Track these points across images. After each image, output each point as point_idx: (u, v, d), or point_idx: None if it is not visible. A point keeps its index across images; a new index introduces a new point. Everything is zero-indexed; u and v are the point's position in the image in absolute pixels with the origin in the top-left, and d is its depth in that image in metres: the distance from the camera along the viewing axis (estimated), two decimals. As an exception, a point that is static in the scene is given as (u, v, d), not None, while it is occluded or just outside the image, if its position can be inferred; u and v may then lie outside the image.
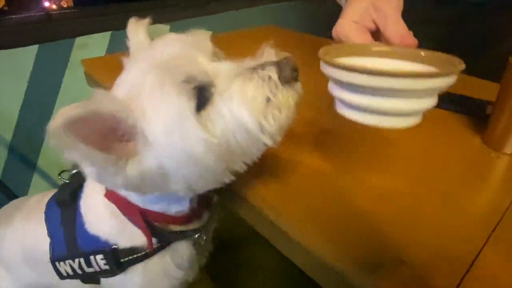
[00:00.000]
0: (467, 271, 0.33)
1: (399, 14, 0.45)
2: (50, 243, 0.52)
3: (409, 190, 0.43)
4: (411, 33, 0.43)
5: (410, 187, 0.44)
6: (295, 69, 0.39)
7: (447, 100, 0.64)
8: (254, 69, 0.38)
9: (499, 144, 0.51)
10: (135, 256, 0.49)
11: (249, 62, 0.40)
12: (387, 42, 0.44)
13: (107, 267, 0.49)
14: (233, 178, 0.40)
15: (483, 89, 0.67)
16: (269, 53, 0.40)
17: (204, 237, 0.55)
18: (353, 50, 0.42)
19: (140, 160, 0.36)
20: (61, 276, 0.52)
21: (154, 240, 0.49)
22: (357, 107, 0.36)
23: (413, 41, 0.42)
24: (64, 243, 0.50)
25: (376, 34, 0.46)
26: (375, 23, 0.46)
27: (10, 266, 0.60)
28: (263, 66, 0.38)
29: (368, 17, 0.46)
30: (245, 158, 0.40)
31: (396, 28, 0.44)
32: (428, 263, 0.34)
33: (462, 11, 0.87)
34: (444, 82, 0.34)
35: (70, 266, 0.50)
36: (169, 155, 0.36)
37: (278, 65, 0.38)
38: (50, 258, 0.51)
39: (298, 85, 0.40)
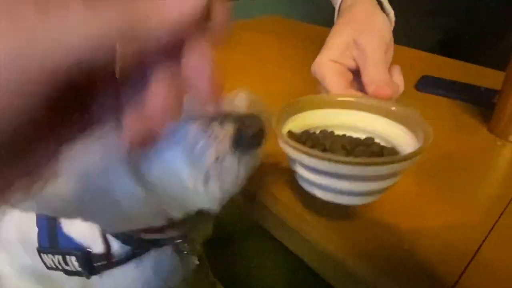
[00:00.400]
0: (471, 261, 0.33)
1: (381, 52, 0.41)
2: (37, 233, 0.52)
3: (413, 180, 0.43)
4: (389, 80, 0.39)
5: (415, 177, 0.44)
6: (258, 134, 0.33)
7: (453, 89, 0.63)
8: (212, 119, 0.33)
9: (505, 132, 0.51)
10: (107, 262, 0.47)
11: (210, 107, 0.34)
12: (364, 87, 0.40)
13: (80, 269, 0.48)
14: (164, 223, 0.37)
15: (490, 78, 0.66)
16: (239, 101, 0.35)
17: (186, 245, 0.51)
18: (315, 103, 0.39)
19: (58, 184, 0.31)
20: (47, 266, 0.52)
21: (127, 247, 0.47)
22: (312, 182, 0.34)
23: (387, 93, 0.38)
24: (46, 237, 0.50)
25: (359, 72, 0.42)
26: (356, 62, 0.43)
27: (8, 247, 0.60)
28: (222, 119, 0.32)
29: (349, 54, 0.43)
30: (181, 208, 0.37)
31: (373, 73, 0.40)
32: (432, 253, 0.34)
33: (470, 1, 0.86)
34: (403, 166, 0.30)
35: (52, 260, 0.50)
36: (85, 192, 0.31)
37: (240, 123, 0.32)
38: (36, 248, 0.51)
39: (257, 152, 0.34)
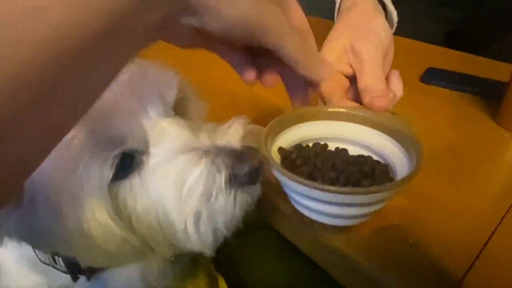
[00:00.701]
0: (479, 254, 0.32)
1: (379, 58, 0.40)
2: None
3: (420, 172, 0.42)
4: (385, 90, 0.38)
5: (421, 170, 0.43)
6: (255, 170, 0.30)
7: (460, 81, 0.62)
8: (205, 151, 0.30)
9: (513, 124, 0.50)
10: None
11: (205, 138, 0.32)
12: (359, 96, 0.39)
13: (66, 269, 0.47)
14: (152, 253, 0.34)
15: (497, 70, 0.65)
16: (234, 133, 0.33)
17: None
18: (308, 114, 0.38)
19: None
20: (40, 260, 0.52)
21: None
22: (302, 204, 0.34)
23: (383, 104, 0.36)
24: None
25: (355, 79, 0.41)
26: (352, 67, 0.41)
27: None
28: (217, 153, 0.30)
29: (346, 59, 0.41)
30: (168, 245, 0.33)
31: (369, 83, 0.38)
32: (438, 245, 0.33)
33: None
34: (390, 194, 0.30)
35: (43, 255, 0.50)
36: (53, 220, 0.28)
37: (236, 159, 0.30)
38: None
39: (255, 189, 0.32)
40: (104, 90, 0.21)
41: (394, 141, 0.36)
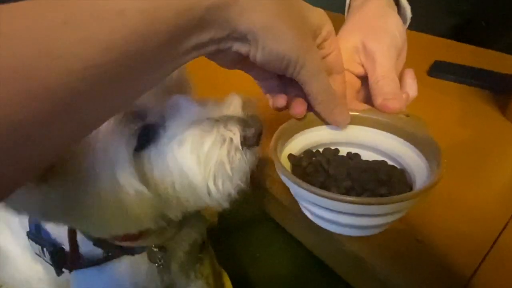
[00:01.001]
0: (489, 251, 0.32)
1: (392, 59, 0.38)
2: (28, 218, 0.52)
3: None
4: (398, 92, 0.37)
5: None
6: (259, 132, 0.35)
7: (468, 74, 0.61)
8: (216, 121, 0.34)
9: (522, 119, 0.49)
10: (74, 262, 0.47)
11: (213, 110, 0.36)
12: (371, 97, 0.38)
13: (51, 262, 0.48)
14: (164, 224, 0.38)
15: (506, 64, 0.64)
16: (236, 105, 0.36)
17: (159, 255, 0.49)
18: (314, 120, 0.36)
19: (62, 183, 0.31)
20: (34, 252, 0.52)
21: (98, 250, 0.46)
22: (316, 215, 0.32)
23: (395, 106, 0.35)
24: (33, 224, 0.50)
25: (367, 79, 0.40)
26: (363, 67, 0.40)
27: (11, 225, 0.61)
28: (226, 122, 0.34)
29: (357, 59, 0.40)
30: (181, 208, 0.37)
31: (382, 84, 0.37)
32: (447, 243, 0.33)
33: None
34: (410, 204, 0.28)
35: (36, 247, 0.50)
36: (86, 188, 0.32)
37: (243, 124, 0.34)
38: (26, 232, 0.51)
39: (257, 150, 0.36)
40: (147, 91, 0.26)
41: (409, 144, 0.34)
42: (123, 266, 0.48)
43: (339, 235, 0.33)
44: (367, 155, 0.36)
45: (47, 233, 0.48)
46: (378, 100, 0.36)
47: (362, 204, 0.27)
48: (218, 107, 0.36)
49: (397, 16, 0.43)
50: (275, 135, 0.34)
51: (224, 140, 0.34)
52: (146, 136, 0.34)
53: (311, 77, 0.30)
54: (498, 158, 0.44)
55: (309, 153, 0.36)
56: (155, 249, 0.49)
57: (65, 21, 0.19)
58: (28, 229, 0.51)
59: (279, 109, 0.36)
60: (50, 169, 0.30)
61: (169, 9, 0.22)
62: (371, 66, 0.38)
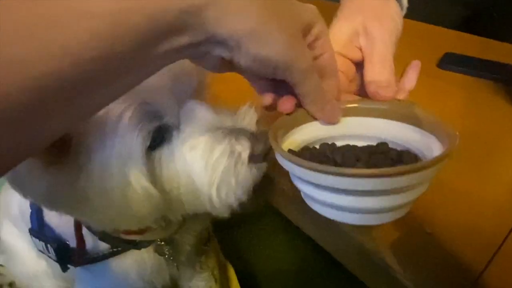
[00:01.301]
0: (501, 245, 0.31)
1: (391, 46, 0.37)
2: (30, 214, 0.52)
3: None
4: (392, 80, 0.35)
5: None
6: (267, 150, 0.35)
7: (478, 66, 0.60)
8: (229, 131, 0.35)
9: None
10: (82, 257, 0.47)
11: (227, 119, 0.37)
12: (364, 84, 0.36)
13: (56, 259, 0.48)
14: (163, 224, 0.39)
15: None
16: (250, 118, 0.37)
17: (166, 249, 0.50)
18: (306, 115, 0.34)
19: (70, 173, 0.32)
20: (37, 248, 0.52)
21: (104, 245, 0.46)
22: (322, 202, 0.29)
23: (388, 94, 0.34)
24: (36, 221, 0.50)
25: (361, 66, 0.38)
26: (362, 51, 0.38)
27: (16, 222, 0.62)
28: (237, 134, 0.35)
29: (356, 42, 0.38)
30: (182, 211, 0.39)
31: (377, 71, 0.36)
32: (457, 237, 0.32)
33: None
34: (432, 172, 0.26)
35: (39, 244, 0.50)
36: (96, 185, 0.33)
37: (253, 139, 0.35)
38: (28, 229, 0.52)
39: (263, 166, 0.36)
40: (120, 96, 0.26)
41: (409, 125, 0.32)
42: (129, 260, 0.49)
43: (347, 227, 0.33)
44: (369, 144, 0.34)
45: (51, 230, 0.49)
46: (371, 87, 0.35)
47: (383, 176, 0.24)
48: (232, 117, 0.38)
49: (397, 4, 0.41)
50: (271, 128, 0.32)
51: (233, 152, 0.34)
52: (160, 136, 0.34)
53: (302, 79, 0.30)
54: (509, 150, 0.44)
55: (306, 149, 0.34)
56: (161, 243, 0.49)
57: (23, 24, 0.19)
58: (30, 227, 0.51)
59: (267, 108, 0.34)
60: (59, 153, 0.31)
61: (141, 12, 0.21)
62: (369, 50, 0.37)
